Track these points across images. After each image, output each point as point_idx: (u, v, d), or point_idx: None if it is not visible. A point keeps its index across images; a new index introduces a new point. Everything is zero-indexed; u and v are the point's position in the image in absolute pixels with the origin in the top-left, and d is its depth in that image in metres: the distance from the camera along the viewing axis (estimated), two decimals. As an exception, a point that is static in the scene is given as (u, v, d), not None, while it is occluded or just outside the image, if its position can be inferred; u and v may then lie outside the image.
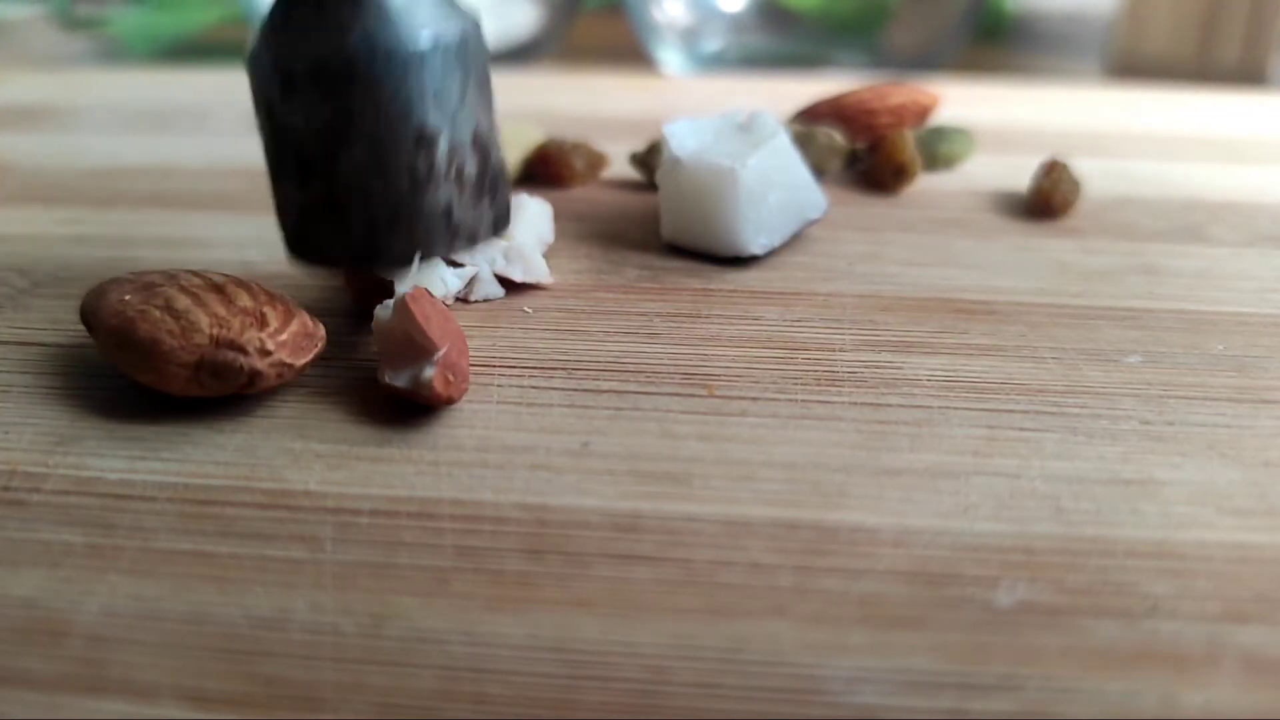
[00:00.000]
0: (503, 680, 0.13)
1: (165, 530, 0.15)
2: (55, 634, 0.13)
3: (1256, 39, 0.42)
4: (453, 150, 0.18)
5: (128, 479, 0.16)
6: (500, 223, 0.19)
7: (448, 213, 0.18)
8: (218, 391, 0.17)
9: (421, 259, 0.18)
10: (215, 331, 0.17)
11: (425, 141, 0.17)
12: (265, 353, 0.17)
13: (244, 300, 0.17)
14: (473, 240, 0.19)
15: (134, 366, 0.17)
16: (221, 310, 0.17)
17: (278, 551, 0.15)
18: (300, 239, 0.18)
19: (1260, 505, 0.16)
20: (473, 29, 0.18)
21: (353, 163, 0.17)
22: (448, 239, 0.18)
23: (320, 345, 0.18)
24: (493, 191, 0.19)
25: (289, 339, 0.17)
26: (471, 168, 0.18)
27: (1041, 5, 0.61)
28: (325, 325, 0.18)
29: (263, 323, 0.17)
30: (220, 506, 0.15)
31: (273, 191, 0.18)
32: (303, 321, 0.18)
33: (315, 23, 0.16)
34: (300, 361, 0.17)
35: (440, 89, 0.17)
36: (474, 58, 0.18)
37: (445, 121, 0.17)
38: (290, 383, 0.18)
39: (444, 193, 0.18)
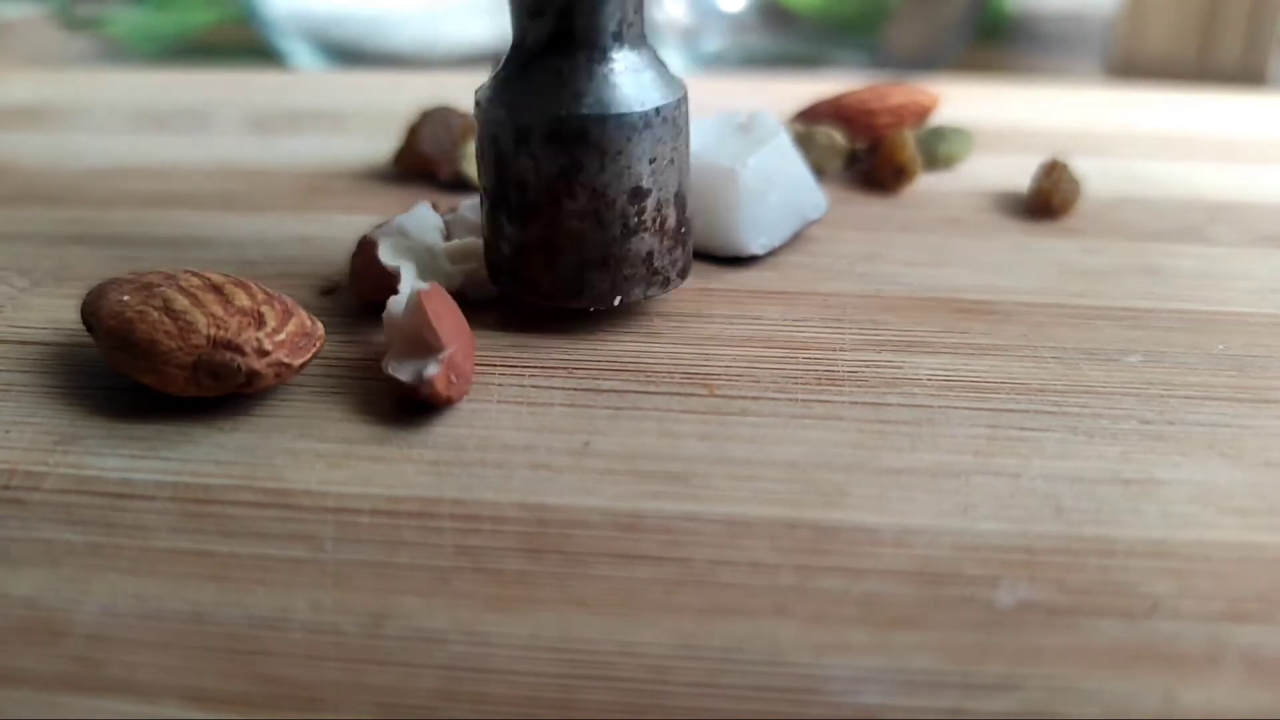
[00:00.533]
0: (503, 680, 0.13)
1: (165, 529, 0.15)
2: (55, 633, 0.13)
3: (1256, 39, 0.42)
4: (659, 204, 0.19)
5: (128, 478, 0.16)
6: (687, 270, 0.21)
7: (649, 259, 0.20)
8: (216, 391, 0.17)
9: (622, 300, 0.20)
10: (213, 332, 0.17)
11: (639, 195, 0.19)
12: (263, 353, 0.17)
13: (242, 300, 0.17)
14: (665, 285, 0.20)
15: (133, 367, 0.17)
16: (219, 310, 0.17)
17: (278, 551, 0.15)
18: (511, 270, 0.20)
19: (1260, 505, 0.16)
20: (684, 96, 0.20)
21: (575, 210, 0.19)
22: (645, 282, 0.20)
23: (319, 344, 0.18)
24: (684, 242, 0.20)
25: (287, 339, 0.17)
26: (671, 221, 0.20)
27: (1041, 5, 0.61)
28: (325, 324, 0.18)
29: (260, 323, 0.17)
30: (220, 506, 0.15)
31: (486, 222, 0.20)
32: (301, 321, 0.18)
33: (554, 86, 0.18)
34: (298, 361, 0.17)
35: (655, 152, 0.19)
36: (683, 122, 0.20)
37: (656, 179, 0.19)
38: (289, 382, 0.18)
39: (649, 241, 0.19)
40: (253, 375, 0.17)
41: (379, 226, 0.22)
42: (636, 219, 0.19)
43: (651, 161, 0.19)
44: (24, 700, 0.12)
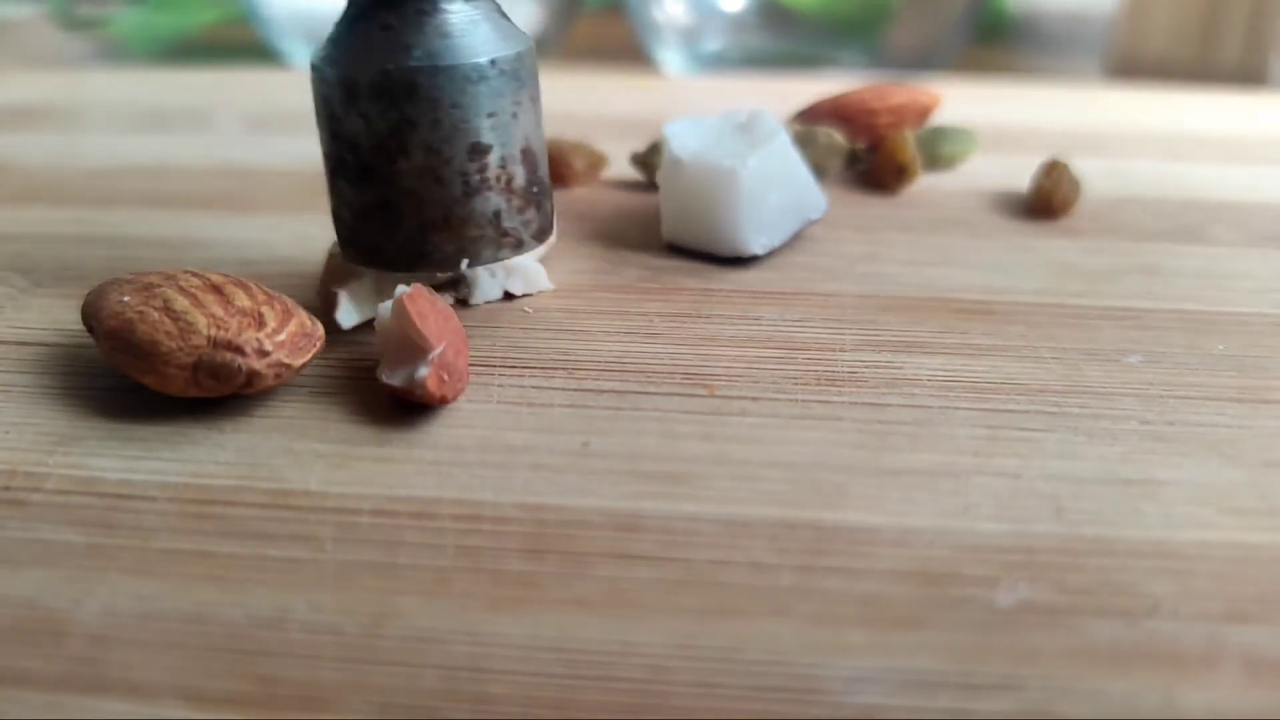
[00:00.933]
0: (503, 680, 0.13)
1: (165, 530, 0.15)
2: (55, 633, 0.13)
3: (1256, 39, 0.42)
4: (504, 161, 0.19)
5: (128, 479, 0.16)
6: (544, 232, 0.20)
7: (496, 219, 0.19)
8: (216, 392, 0.17)
9: (470, 263, 0.19)
10: (213, 333, 0.17)
11: (479, 152, 0.18)
12: (263, 353, 0.17)
13: (242, 300, 0.17)
14: (518, 247, 0.20)
15: (133, 367, 0.17)
16: (219, 311, 0.17)
17: (278, 551, 0.15)
18: (354, 238, 0.19)
19: (1261, 505, 0.16)
20: (527, 50, 0.19)
21: (410, 169, 0.18)
22: (495, 244, 0.19)
23: (319, 345, 0.18)
24: (538, 202, 0.20)
25: (287, 339, 0.17)
26: (520, 179, 0.19)
27: (1041, 5, 0.61)
28: (325, 325, 0.18)
29: (260, 323, 0.17)
30: (221, 506, 0.15)
31: (329, 191, 0.19)
32: (301, 321, 0.18)
33: (381, 40, 0.18)
34: (299, 361, 0.17)
35: (495, 106, 0.18)
36: (528, 77, 0.19)
37: (497, 135, 0.19)
38: (289, 382, 0.18)
39: (494, 201, 0.19)
40: (253, 376, 0.17)
41: None
42: (478, 176, 0.18)
43: (490, 116, 0.18)
44: (24, 700, 0.12)
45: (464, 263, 0.19)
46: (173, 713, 0.12)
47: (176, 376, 0.17)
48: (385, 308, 0.18)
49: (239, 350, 0.17)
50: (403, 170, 0.18)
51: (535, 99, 0.20)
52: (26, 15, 0.59)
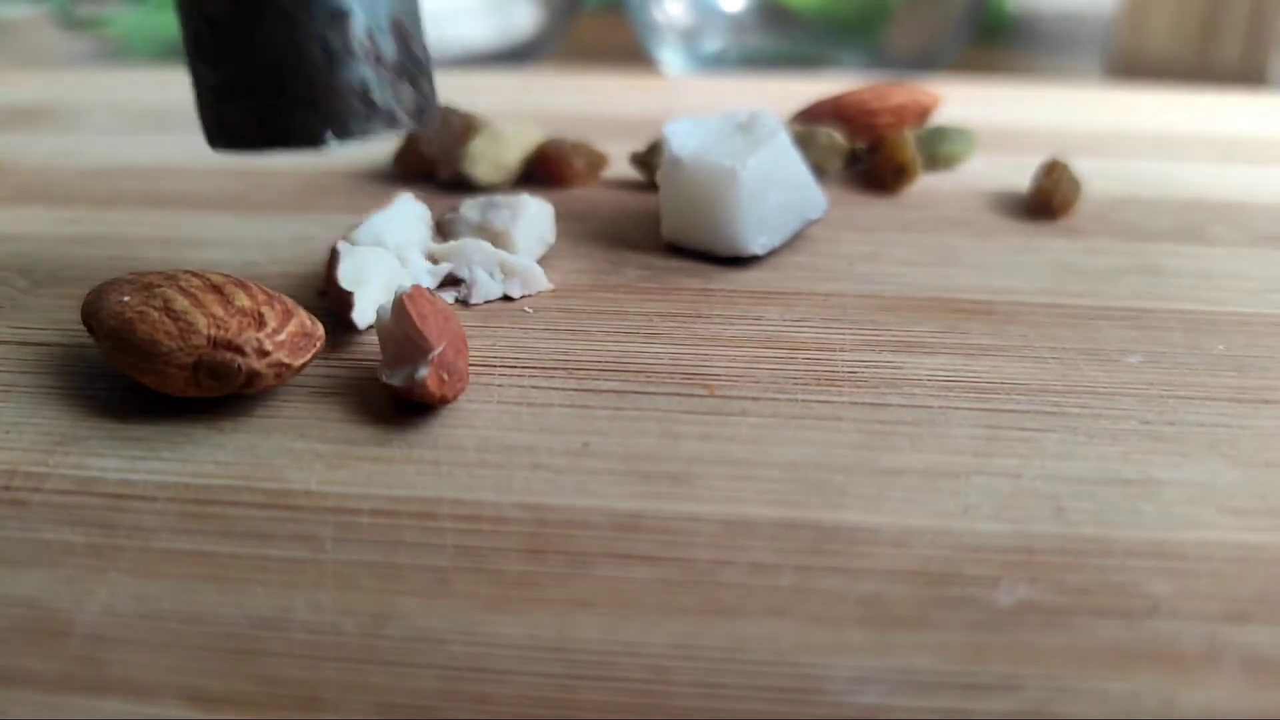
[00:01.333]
0: (503, 680, 0.13)
1: (166, 530, 0.15)
2: (56, 633, 0.13)
3: (1256, 39, 0.42)
4: (370, 32, 0.18)
5: (128, 479, 0.16)
6: (423, 112, 0.19)
7: (364, 92, 0.18)
8: (216, 392, 0.17)
9: (336, 136, 0.18)
10: (213, 332, 0.17)
11: (339, 18, 0.18)
12: (263, 353, 0.17)
13: (242, 300, 0.17)
14: (391, 123, 0.19)
15: (133, 367, 0.17)
16: (219, 311, 0.17)
17: (278, 551, 0.15)
18: (217, 122, 0.18)
19: (1260, 505, 0.16)
20: None
21: (266, 39, 0.17)
22: (364, 118, 0.18)
23: (319, 345, 0.18)
24: (413, 79, 0.19)
25: (287, 339, 0.17)
26: (390, 53, 0.19)
27: (1041, 5, 0.61)
28: (325, 325, 0.18)
29: (260, 323, 0.17)
30: (221, 506, 0.15)
31: (192, 80, 0.18)
32: (301, 321, 0.18)
33: None
34: (298, 362, 0.17)
35: None
36: None
37: (360, 3, 0.18)
38: (289, 382, 0.18)
39: (359, 71, 0.18)
40: (253, 376, 0.17)
41: (355, 228, 0.22)
42: (341, 46, 0.18)
43: None
44: (24, 700, 0.12)
45: (328, 135, 0.18)
46: (173, 713, 0.12)
47: (176, 376, 0.17)
48: (385, 308, 0.18)
49: (239, 350, 0.17)
50: (259, 41, 0.17)
51: None
52: (26, 15, 0.59)
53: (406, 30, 0.19)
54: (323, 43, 0.18)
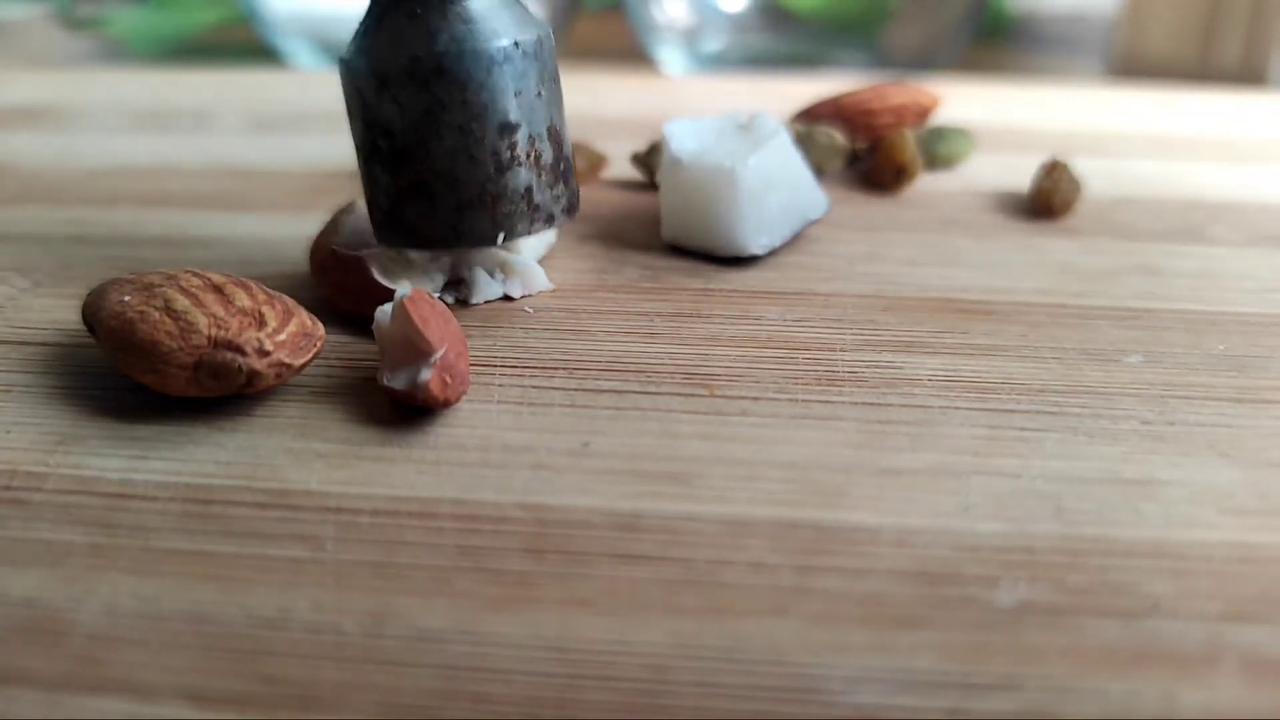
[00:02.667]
0: (503, 680, 0.13)
1: (166, 530, 0.15)
2: (56, 633, 0.13)
3: (1257, 39, 0.42)
4: (531, 139, 0.20)
5: (129, 478, 0.16)
6: (572, 208, 0.21)
7: (528, 194, 0.20)
8: (217, 392, 0.17)
9: (505, 237, 0.20)
10: (213, 332, 0.17)
11: (508, 130, 0.19)
12: (264, 353, 0.17)
13: (242, 300, 0.17)
14: (550, 221, 0.20)
15: (134, 367, 0.17)
16: (220, 311, 0.17)
17: (279, 551, 0.15)
18: (391, 221, 0.20)
19: (1261, 505, 0.16)
20: (545, 35, 0.20)
21: (443, 150, 0.19)
22: (528, 218, 0.20)
23: (319, 345, 0.18)
24: (565, 178, 0.21)
25: (287, 339, 0.17)
26: (548, 156, 0.20)
27: (1041, 5, 0.61)
28: (326, 325, 0.18)
29: (261, 323, 0.17)
30: (221, 506, 0.15)
31: (363, 179, 0.20)
32: (301, 321, 0.18)
33: (409, 28, 0.19)
34: (299, 361, 0.17)
35: (519, 86, 0.19)
36: (547, 59, 0.20)
37: (524, 113, 0.20)
38: (290, 382, 0.18)
39: (524, 176, 0.20)
40: (253, 375, 0.17)
41: (343, 211, 0.22)
42: (509, 154, 0.19)
43: (517, 95, 0.19)
44: (25, 700, 0.12)
45: (500, 236, 0.20)
46: (173, 713, 0.12)
47: (177, 376, 0.17)
48: (385, 311, 0.18)
49: (239, 350, 0.17)
50: (436, 151, 0.19)
51: (556, 81, 0.21)
52: (26, 15, 0.59)
53: (560, 134, 0.21)
54: (494, 153, 0.19)
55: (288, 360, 0.17)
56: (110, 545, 0.15)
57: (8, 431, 0.17)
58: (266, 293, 0.18)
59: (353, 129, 0.20)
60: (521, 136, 0.20)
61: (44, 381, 0.18)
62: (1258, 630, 0.13)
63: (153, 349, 0.17)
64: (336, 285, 0.21)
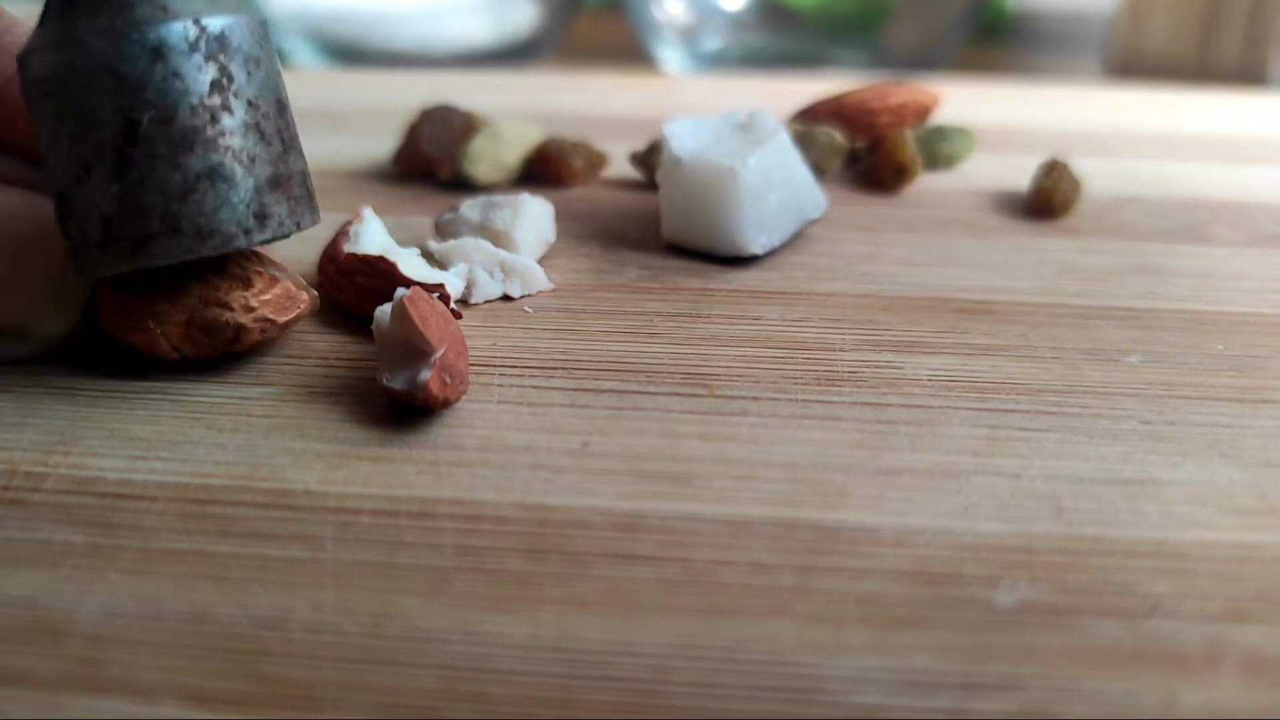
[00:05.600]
0: (503, 680, 0.13)
1: (166, 530, 0.15)
2: (56, 633, 0.13)
3: (1256, 39, 0.42)
4: (291, 120, 0.18)
5: (128, 479, 0.16)
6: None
7: (304, 179, 0.18)
8: (207, 349, 0.18)
9: (299, 227, 0.18)
10: (203, 291, 0.18)
11: (283, 108, 0.18)
12: (249, 309, 0.18)
13: (231, 267, 0.18)
14: (316, 213, 0.19)
15: (128, 328, 0.18)
16: (210, 274, 0.18)
17: (278, 551, 0.15)
18: (174, 227, 0.17)
19: (1261, 505, 0.16)
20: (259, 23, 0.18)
21: (234, 127, 0.17)
22: (309, 206, 0.18)
23: (304, 307, 0.19)
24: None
25: (273, 299, 0.18)
26: (299, 142, 0.19)
27: (1041, 5, 0.61)
28: (326, 324, 0.18)
29: (248, 285, 0.18)
30: (221, 506, 0.15)
31: (94, 203, 0.17)
32: (286, 286, 0.19)
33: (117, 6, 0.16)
34: (284, 319, 0.18)
35: (275, 65, 0.18)
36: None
37: (285, 93, 0.18)
38: (275, 339, 0.19)
39: (301, 160, 0.18)
40: (240, 330, 0.18)
41: (350, 226, 0.22)
42: (289, 133, 0.18)
43: (279, 75, 0.18)
44: (24, 700, 0.12)
45: (295, 227, 0.18)
46: (173, 713, 0.12)
47: (170, 334, 0.18)
48: (384, 311, 0.18)
49: (227, 306, 0.18)
50: (228, 129, 0.17)
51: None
52: (27, 15, 0.59)
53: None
54: (279, 130, 0.18)
55: (272, 316, 0.18)
56: (109, 545, 0.15)
57: (7, 431, 0.17)
58: (258, 257, 0.19)
59: (63, 137, 0.17)
60: (290, 117, 0.18)
61: (43, 381, 0.18)
62: (1258, 630, 0.13)
63: (149, 307, 0.18)
64: (339, 285, 0.21)
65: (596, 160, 0.28)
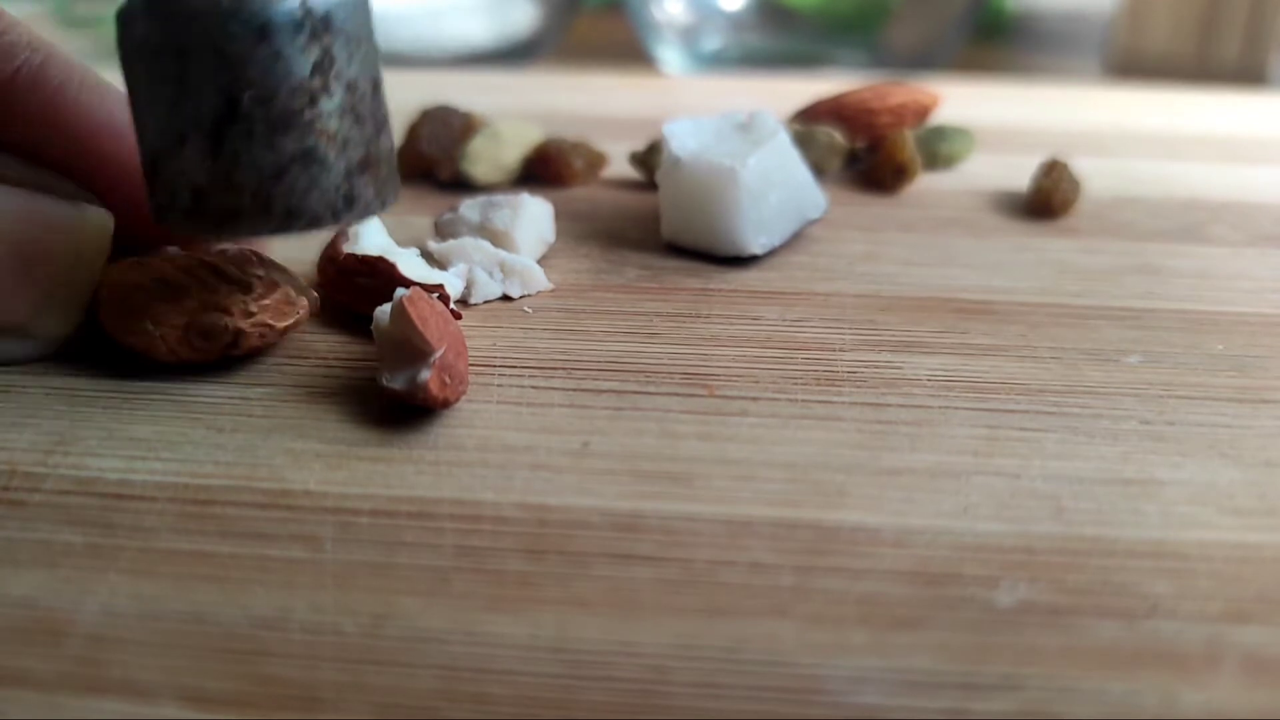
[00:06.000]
0: (503, 680, 0.13)
1: (165, 530, 0.15)
2: (55, 634, 0.13)
3: (1256, 39, 0.42)
4: (385, 99, 0.18)
5: (128, 479, 0.16)
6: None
7: (390, 156, 0.18)
8: (206, 353, 0.18)
9: (385, 205, 0.18)
10: (202, 296, 0.18)
11: (378, 88, 0.18)
12: (248, 314, 0.18)
13: (230, 270, 0.18)
14: (397, 189, 0.19)
15: (127, 330, 0.18)
16: (209, 278, 0.18)
17: (278, 551, 0.15)
18: (260, 209, 0.17)
19: (1260, 505, 0.16)
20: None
21: (332, 110, 0.17)
22: (392, 183, 0.18)
23: (303, 312, 0.19)
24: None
25: (272, 304, 0.18)
26: (390, 125, 0.18)
27: (1041, 5, 0.61)
28: (327, 325, 0.19)
29: (247, 289, 0.18)
30: (220, 506, 0.15)
31: (199, 172, 0.17)
32: (286, 291, 0.19)
33: None
34: (282, 324, 0.18)
35: (374, 45, 0.18)
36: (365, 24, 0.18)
37: (380, 72, 0.18)
38: (273, 344, 0.19)
39: (390, 138, 0.18)
40: (239, 334, 0.18)
41: (341, 239, 0.21)
42: (382, 112, 0.18)
43: (377, 55, 0.18)
44: (24, 700, 0.12)
45: (384, 204, 0.18)
46: (173, 713, 0.12)
47: (168, 336, 0.18)
48: (384, 311, 0.18)
49: (226, 311, 0.18)
50: (326, 112, 0.17)
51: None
52: (27, 15, 0.59)
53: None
54: (373, 111, 0.18)
55: (271, 321, 0.18)
56: (109, 546, 0.15)
57: (6, 431, 0.17)
58: (259, 260, 0.19)
59: (161, 103, 0.16)
60: (384, 96, 0.18)
61: (43, 381, 0.18)
62: (1258, 630, 0.13)
63: (148, 310, 0.18)
64: (338, 286, 0.21)
65: (596, 160, 0.28)
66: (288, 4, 0.16)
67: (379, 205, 0.18)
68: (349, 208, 0.17)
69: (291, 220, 0.17)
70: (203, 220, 0.17)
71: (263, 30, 0.16)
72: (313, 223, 0.17)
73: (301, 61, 0.16)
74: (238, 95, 0.16)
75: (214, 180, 0.17)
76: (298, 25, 0.16)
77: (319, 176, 0.17)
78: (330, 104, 0.17)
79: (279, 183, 0.17)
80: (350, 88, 0.17)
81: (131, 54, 0.17)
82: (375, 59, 0.18)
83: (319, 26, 0.16)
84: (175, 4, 0.16)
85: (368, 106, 0.17)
